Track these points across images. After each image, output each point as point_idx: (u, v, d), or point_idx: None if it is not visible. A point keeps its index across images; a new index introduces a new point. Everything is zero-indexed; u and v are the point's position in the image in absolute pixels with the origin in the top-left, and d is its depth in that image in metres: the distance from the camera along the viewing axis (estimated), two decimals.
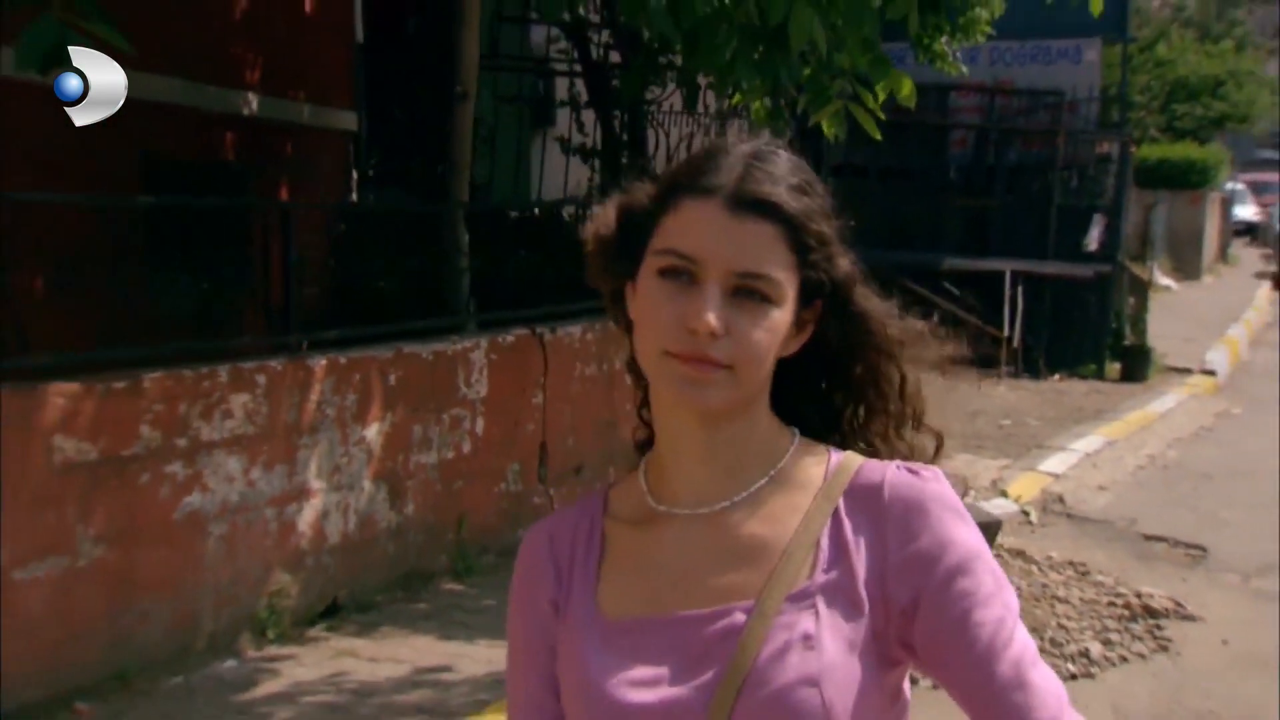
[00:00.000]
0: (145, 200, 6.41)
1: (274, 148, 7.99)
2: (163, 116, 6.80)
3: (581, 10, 7.90)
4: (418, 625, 5.34)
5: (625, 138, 8.09)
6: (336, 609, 5.37)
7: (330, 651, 5.02)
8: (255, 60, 7.63)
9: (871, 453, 1.34)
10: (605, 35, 8.20)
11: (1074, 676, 5.39)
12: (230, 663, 4.82)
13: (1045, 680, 1.23)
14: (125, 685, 4.48)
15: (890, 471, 1.28)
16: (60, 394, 4.29)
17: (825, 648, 1.21)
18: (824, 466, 1.31)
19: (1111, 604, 6.26)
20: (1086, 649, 5.72)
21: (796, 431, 1.33)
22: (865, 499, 1.27)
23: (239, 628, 4.94)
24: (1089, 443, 9.65)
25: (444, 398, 5.85)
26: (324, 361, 5.27)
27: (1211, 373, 13.16)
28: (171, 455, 4.65)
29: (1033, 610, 6.05)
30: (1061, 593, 6.36)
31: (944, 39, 7.28)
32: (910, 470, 1.28)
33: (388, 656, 4.99)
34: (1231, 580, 6.81)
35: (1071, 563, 6.82)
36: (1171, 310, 16.19)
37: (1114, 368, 12.61)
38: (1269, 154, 55.28)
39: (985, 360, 11.28)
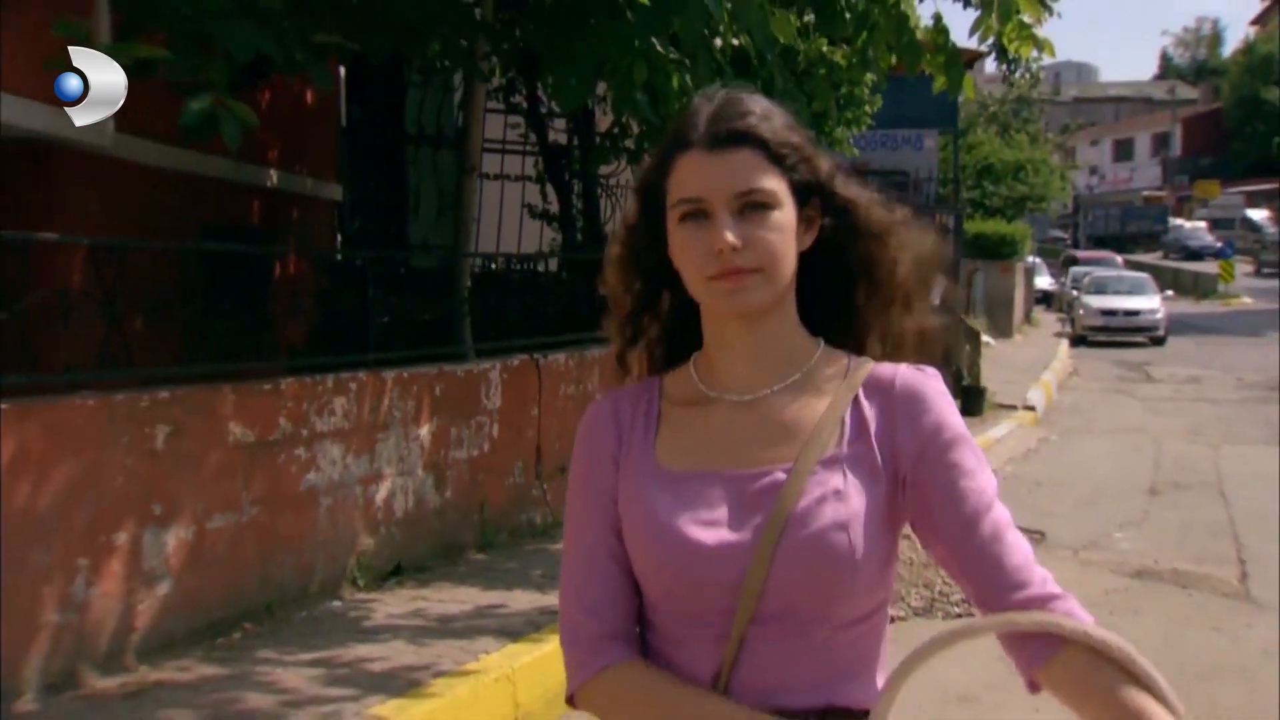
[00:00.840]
0: (274, 248, 7.46)
1: (285, 213, 9.10)
2: (215, 188, 7.91)
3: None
4: (465, 580, 6.48)
5: (580, 205, 9.42)
6: (399, 570, 6.48)
7: (406, 598, 6.14)
8: (274, 142, 8.74)
9: (878, 339, 1.56)
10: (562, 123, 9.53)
11: (959, 616, 6.80)
12: (336, 603, 5.92)
13: (1017, 538, 1.42)
14: (270, 614, 5.56)
15: (901, 369, 1.49)
16: (231, 391, 5.41)
17: (851, 501, 1.41)
18: (845, 365, 1.51)
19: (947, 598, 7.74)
20: (959, 604, 7.18)
21: (822, 340, 1.54)
22: (880, 389, 1.48)
23: (339, 577, 6.04)
24: None
25: (471, 408, 7.04)
26: (392, 375, 6.44)
27: (1032, 408, 14.98)
28: (297, 442, 5.77)
29: (924, 572, 7.47)
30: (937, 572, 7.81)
31: (839, 127, 8.80)
32: (917, 369, 1.49)
33: (451, 599, 6.12)
34: (1064, 554, 8.30)
35: None
36: (993, 360, 18.07)
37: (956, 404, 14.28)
38: (1058, 233, 59.32)
39: None
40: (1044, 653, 1.36)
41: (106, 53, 5.56)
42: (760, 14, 6.34)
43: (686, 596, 1.44)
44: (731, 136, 1.44)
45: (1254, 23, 73.51)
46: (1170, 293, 31.29)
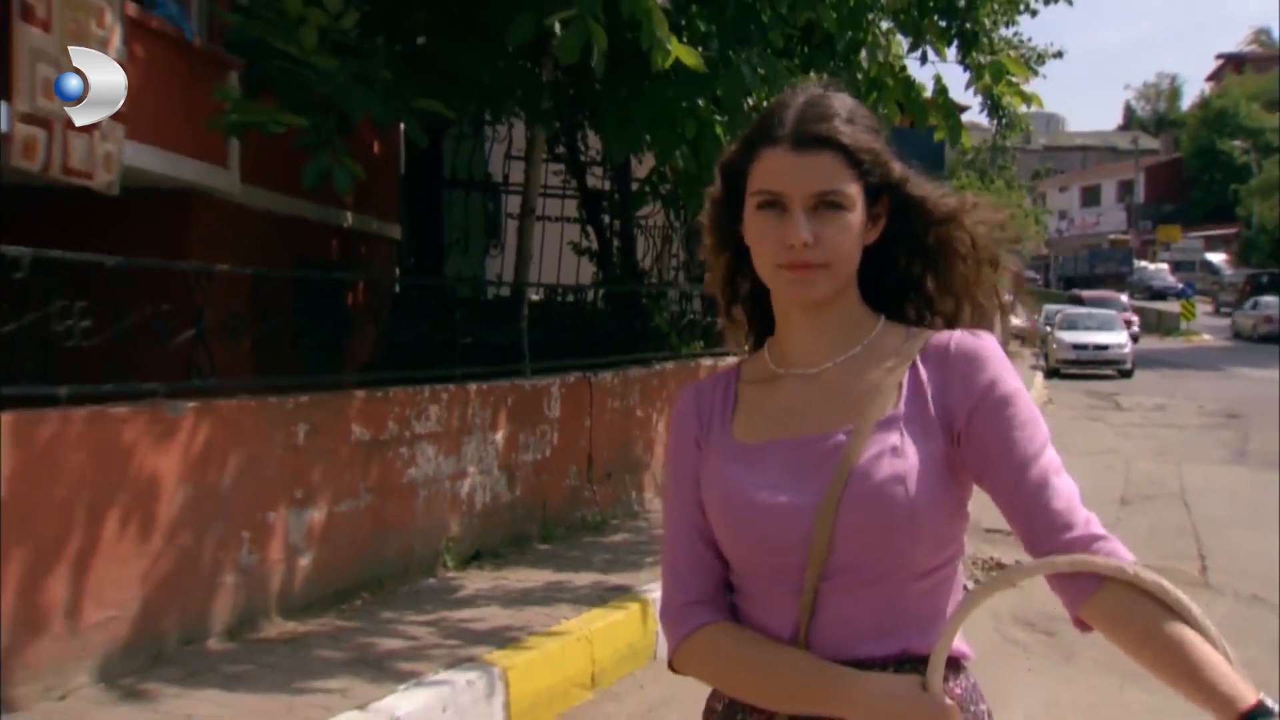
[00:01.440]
0: (402, 279, 8.25)
1: (355, 250, 9.90)
2: (304, 227, 8.71)
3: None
4: (536, 565, 7.23)
5: (617, 244, 10.25)
6: (479, 555, 7.23)
7: (488, 578, 6.89)
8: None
9: (949, 319, 1.60)
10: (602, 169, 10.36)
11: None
12: (431, 580, 6.68)
13: (1064, 483, 1.47)
14: (381, 586, 6.32)
15: (956, 334, 1.53)
16: (354, 398, 6.19)
17: (908, 456, 1.46)
18: (903, 336, 1.56)
19: (975, 562, 8.52)
20: (965, 584, 7.95)
21: (883, 316, 1.59)
22: (937, 354, 1.52)
23: (433, 559, 6.80)
24: None
25: (536, 417, 7.82)
26: (475, 388, 7.22)
27: None
28: (402, 442, 6.54)
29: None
30: None
31: None
32: (971, 333, 1.53)
33: (527, 579, 6.87)
34: None
35: None
36: None
37: None
38: (1031, 274, 60.35)
39: None
40: (1085, 591, 1.41)
41: (243, 110, 6.35)
42: (788, 77, 7.19)
43: (761, 557, 1.50)
44: (816, 139, 1.49)
45: (1209, 79, 75.24)
46: (1136, 330, 32.25)
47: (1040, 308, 37.09)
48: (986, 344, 1.52)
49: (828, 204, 1.48)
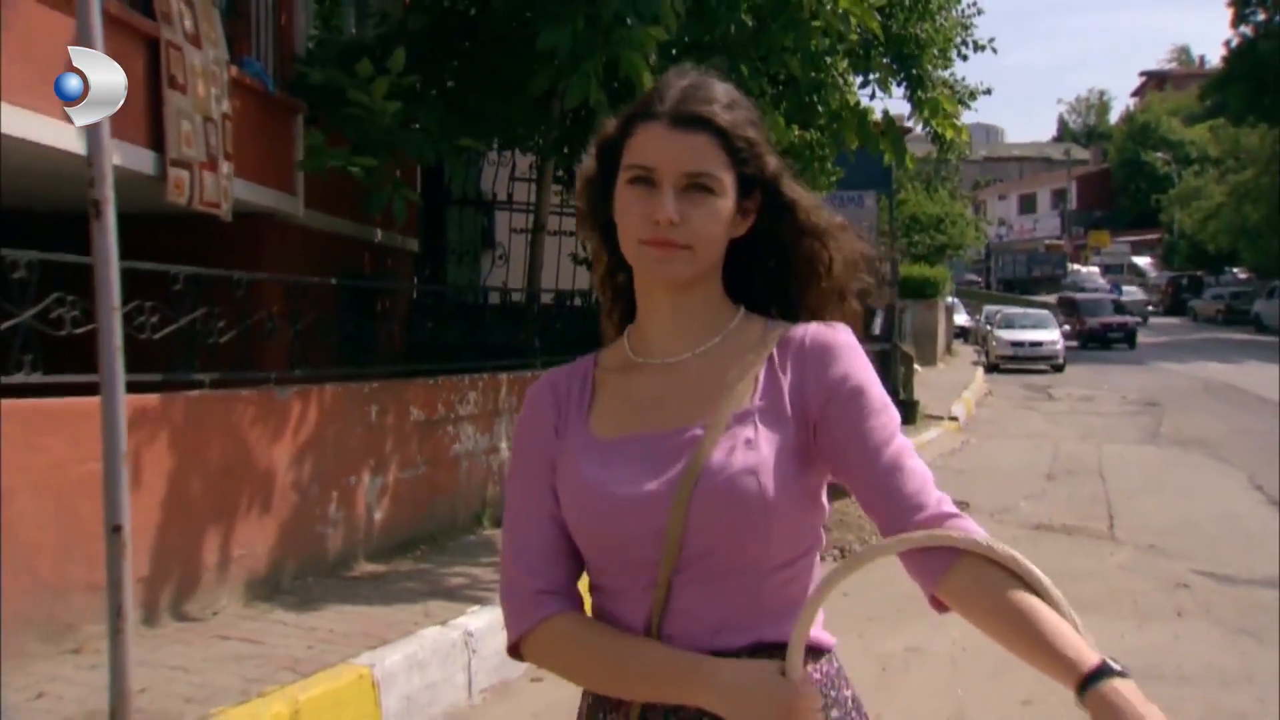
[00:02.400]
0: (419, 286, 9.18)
1: (383, 262, 10.84)
2: (345, 243, 9.66)
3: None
4: None
5: None
6: None
7: None
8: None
9: (807, 317, 1.53)
10: None
11: None
12: (472, 536, 7.66)
13: (916, 466, 1.43)
14: (434, 541, 7.30)
15: (812, 326, 1.49)
16: (411, 385, 7.17)
17: (761, 448, 1.40)
18: (762, 328, 1.51)
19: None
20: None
21: (743, 306, 1.53)
22: (792, 346, 1.47)
23: (473, 519, 7.79)
24: None
25: None
26: (505, 377, 8.21)
27: (955, 419, 16.93)
28: (449, 421, 7.52)
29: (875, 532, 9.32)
30: None
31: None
32: (827, 325, 1.49)
33: None
34: (983, 516, 10.09)
35: None
36: (921, 382, 19.96)
37: None
38: (973, 276, 61.84)
39: None
40: (940, 567, 1.35)
41: (326, 154, 7.29)
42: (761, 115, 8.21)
43: (615, 550, 1.43)
44: (694, 119, 1.42)
45: (1134, 94, 77.16)
46: (1068, 328, 33.61)
47: (981, 308, 38.47)
48: (841, 336, 1.48)
49: (698, 186, 1.42)
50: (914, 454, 1.44)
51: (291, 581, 5.96)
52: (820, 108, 9.34)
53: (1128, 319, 36.24)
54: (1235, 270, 49.84)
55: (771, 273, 1.56)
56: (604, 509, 1.43)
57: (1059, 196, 69.40)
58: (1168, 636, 6.31)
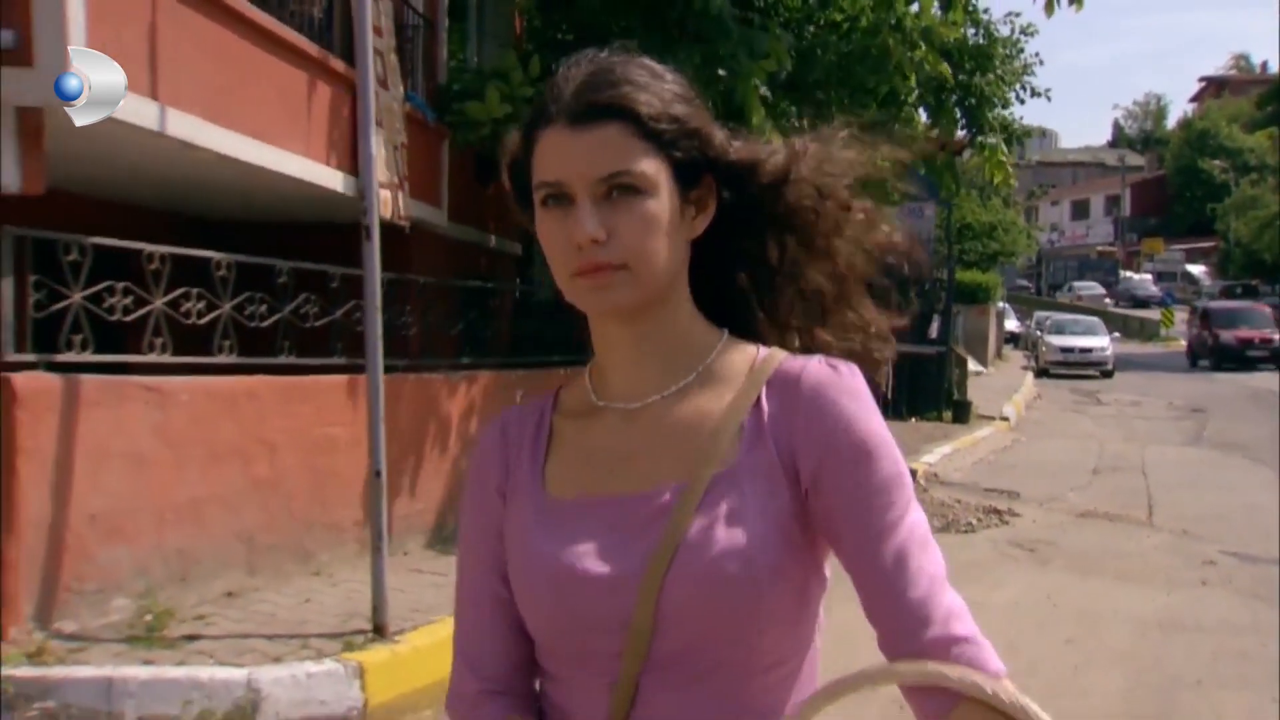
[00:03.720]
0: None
1: (494, 266, 12.23)
2: (466, 248, 11.05)
3: None
4: None
5: None
6: None
7: None
8: (492, 216, 11.87)
9: (805, 336, 1.30)
10: None
11: (968, 530, 9.88)
12: None
13: (927, 562, 1.15)
14: None
15: (811, 363, 1.21)
16: (544, 372, 8.52)
17: (750, 522, 1.15)
18: (750, 361, 1.24)
19: (978, 509, 10.80)
20: (970, 522, 10.24)
21: (725, 331, 1.27)
22: (784, 387, 1.20)
23: None
24: (944, 450, 14.22)
25: None
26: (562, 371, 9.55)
27: (1006, 419, 18.09)
28: None
29: (941, 511, 10.56)
30: (951, 505, 10.90)
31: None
32: (829, 364, 1.21)
33: None
34: (1032, 504, 11.37)
35: (956, 498, 11.40)
36: (973, 385, 21.15)
37: (947, 414, 17.32)
38: (1023, 282, 62.60)
39: None
40: (939, 709, 1.10)
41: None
42: None
43: (571, 639, 1.20)
44: (596, 110, 1.15)
45: (1192, 100, 77.48)
46: (1118, 335, 34.51)
47: (1031, 314, 39.41)
48: (844, 379, 1.20)
49: (620, 189, 1.15)
50: (927, 541, 1.18)
51: (454, 531, 7.33)
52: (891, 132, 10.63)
53: (1276, 335, 30.21)
54: None
55: (751, 267, 1.28)
56: (556, 590, 1.20)
57: (1112, 203, 69.90)
58: (1191, 599, 7.53)
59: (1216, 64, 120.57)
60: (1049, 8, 9.91)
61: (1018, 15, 12.45)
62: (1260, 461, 14.49)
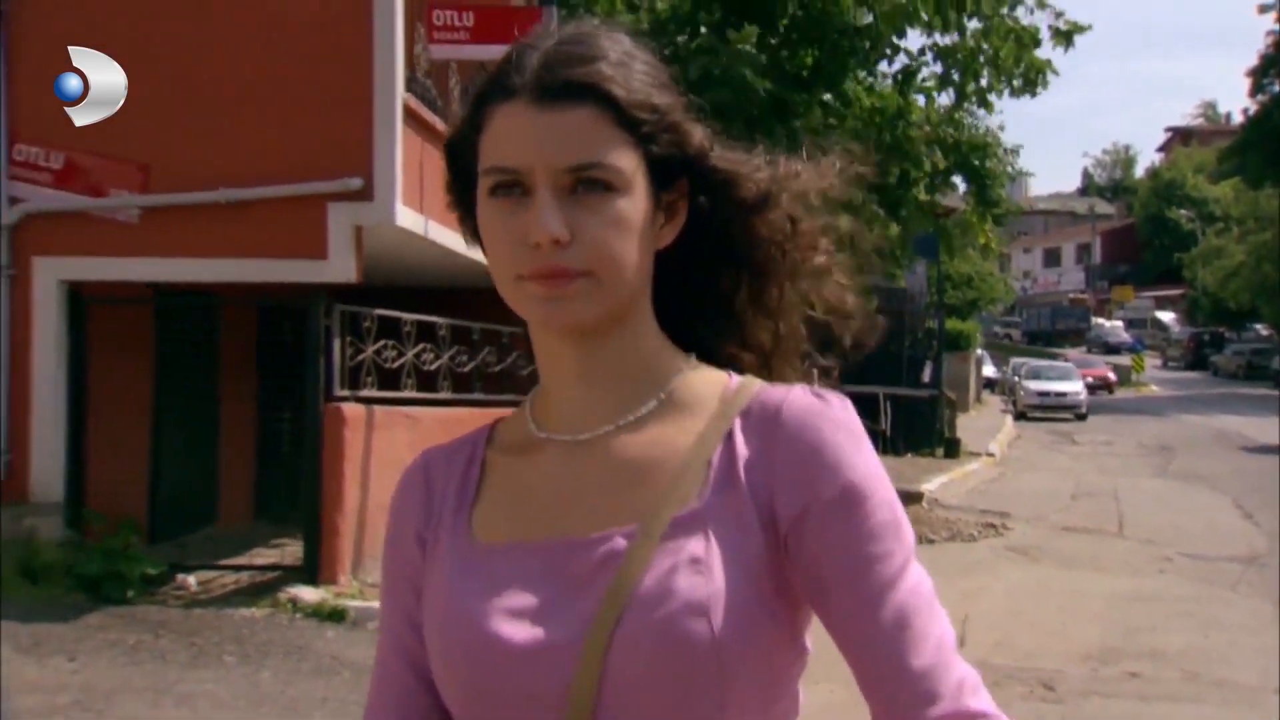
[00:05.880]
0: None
1: None
2: None
3: None
4: None
5: None
6: None
7: None
8: None
9: (766, 352, 1.15)
10: None
11: (970, 540, 12.33)
12: None
13: (932, 625, 1.01)
14: None
15: (793, 392, 1.06)
16: None
17: (715, 573, 0.99)
18: (721, 388, 1.09)
19: (977, 524, 13.24)
20: (971, 534, 12.69)
21: (692, 355, 1.12)
22: (762, 419, 1.05)
23: None
24: (941, 479, 16.66)
25: None
26: None
27: (992, 454, 20.67)
28: None
29: (946, 525, 13.02)
30: (954, 521, 13.37)
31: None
32: (815, 394, 1.07)
33: None
34: (1021, 521, 13.79)
35: (957, 516, 13.90)
36: (959, 425, 23.81)
37: (939, 450, 19.76)
38: (998, 328, 65.59)
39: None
40: None
41: None
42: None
43: (497, 713, 1.02)
44: (569, 88, 1.01)
45: (1160, 149, 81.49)
46: (1090, 379, 37.38)
47: (1008, 361, 42.30)
48: (833, 410, 1.05)
49: (589, 183, 1.01)
50: (931, 602, 1.02)
51: None
52: (903, 208, 13.24)
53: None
54: (1258, 326, 53.59)
55: (720, 290, 1.13)
56: (480, 657, 1.02)
57: (1084, 250, 73.30)
58: (1151, 581, 10.05)
59: (1184, 110, 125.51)
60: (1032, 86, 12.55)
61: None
62: (1219, 490, 17.07)
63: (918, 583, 1.02)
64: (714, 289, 1.13)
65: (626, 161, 1.02)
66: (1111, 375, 41.48)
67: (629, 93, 1.02)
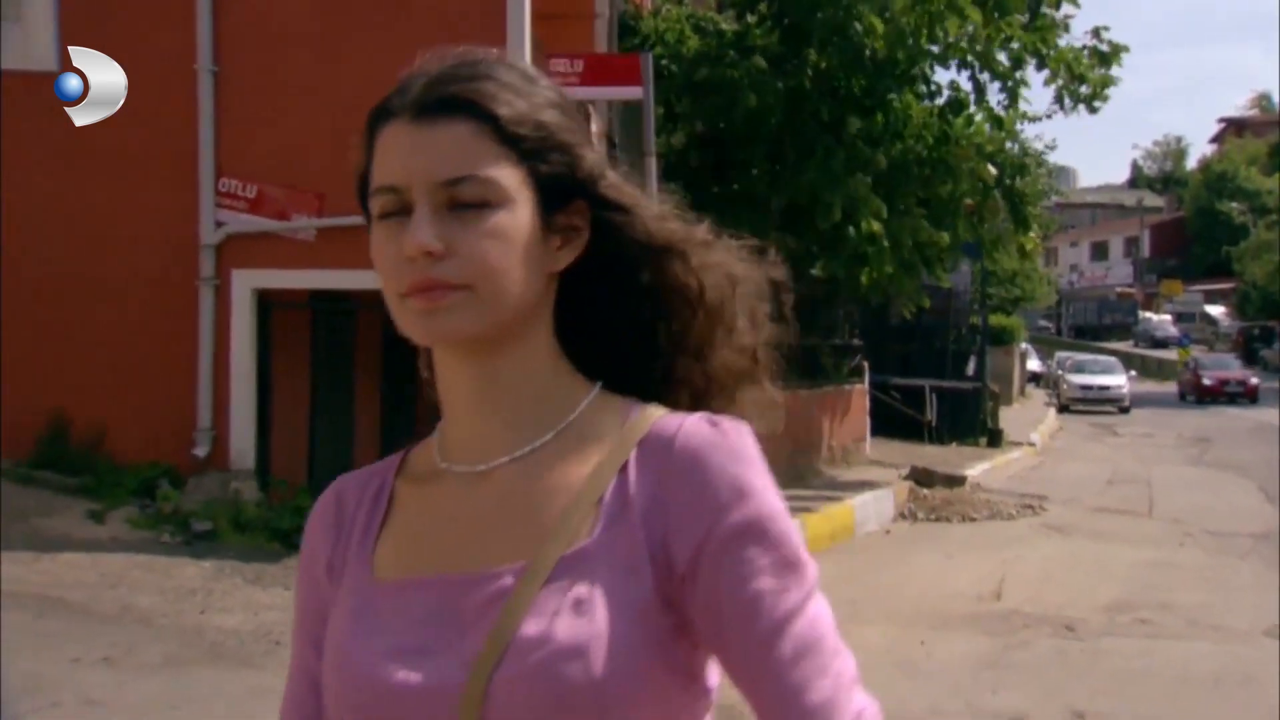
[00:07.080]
0: None
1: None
2: None
3: None
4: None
5: None
6: None
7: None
8: None
9: (686, 385, 1.13)
10: None
11: (1009, 519, 13.81)
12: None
13: (826, 661, 1.01)
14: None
15: (688, 421, 1.06)
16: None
17: (598, 614, 0.99)
18: (623, 419, 1.08)
19: (1016, 505, 14.70)
20: (1010, 513, 14.16)
21: (598, 385, 1.12)
22: (656, 451, 1.05)
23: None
24: (984, 466, 18.11)
25: None
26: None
27: (1033, 444, 22.12)
28: None
29: (988, 505, 14.51)
30: (995, 502, 14.85)
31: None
32: (710, 422, 1.06)
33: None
34: (1058, 503, 15.24)
35: (998, 499, 15.39)
36: (1001, 418, 25.21)
37: (982, 440, 21.20)
38: (1044, 323, 66.46)
39: (913, 434, 19.83)
40: None
41: None
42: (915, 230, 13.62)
43: None
44: (446, 104, 1.03)
45: (1212, 140, 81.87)
46: (1134, 373, 38.50)
47: (1053, 354, 43.48)
48: (728, 439, 1.05)
49: (466, 200, 1.03)
50: (831, 635, 1.03)
51: None
52: (951, 219, 14.72)
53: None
54: None
55: (620, 317, 1.13)
56: (367, 697, 1.03)
57: (1131, 244, 73.70)
58: (1172, 552, 11.54)
59: (1238, 101, 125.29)
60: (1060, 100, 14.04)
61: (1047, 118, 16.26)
62: (1250, 478, 18.44)
63: (816, 617, 1.01)
64: (634, 324, 1.12)
65: (506, 176, 1.03)
66: (1254, 379, 37.89)
67: (510, 109, 1.04)
